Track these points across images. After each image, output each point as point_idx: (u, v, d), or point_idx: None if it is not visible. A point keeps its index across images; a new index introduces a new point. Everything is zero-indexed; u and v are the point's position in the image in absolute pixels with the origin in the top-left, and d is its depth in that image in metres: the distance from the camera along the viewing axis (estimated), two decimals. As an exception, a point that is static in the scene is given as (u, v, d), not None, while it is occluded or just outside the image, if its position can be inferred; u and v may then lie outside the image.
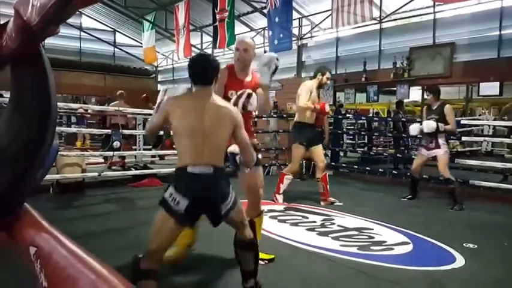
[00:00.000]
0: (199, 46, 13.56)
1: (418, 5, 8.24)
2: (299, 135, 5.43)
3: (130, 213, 4.97)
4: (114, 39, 16.31)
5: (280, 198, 5.52)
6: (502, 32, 7.13)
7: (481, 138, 9.16)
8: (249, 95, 2.80)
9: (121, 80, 15.46)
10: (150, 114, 8.27)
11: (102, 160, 7.66)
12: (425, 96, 5.72)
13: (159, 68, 16.98)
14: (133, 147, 8.35)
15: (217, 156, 2.25)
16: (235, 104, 2.73)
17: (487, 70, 7.16)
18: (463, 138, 8.01)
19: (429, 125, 5.26)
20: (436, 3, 7.61)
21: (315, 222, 4.48)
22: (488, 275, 3.11)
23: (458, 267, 3.23)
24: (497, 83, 7.29)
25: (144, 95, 8.37)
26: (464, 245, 3.73)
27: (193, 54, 13.09)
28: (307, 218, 4.65)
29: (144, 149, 8.45)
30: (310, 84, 5.40)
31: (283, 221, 4.50)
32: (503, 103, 9.88)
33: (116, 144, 6.28)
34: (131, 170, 6.97)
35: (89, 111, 10.27)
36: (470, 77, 7.79)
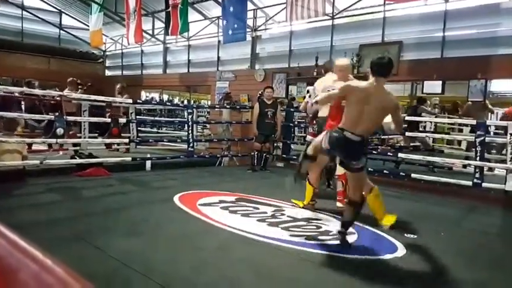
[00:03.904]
0: (150, 32, 13.16)
1: (369, 3, 8.49)
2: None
3: (76, 203, 4.76)
4: (60, 21, 15.39)
5: None
6: (446, 34, 7.54)
7: (424, 134, 9.65)
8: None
9: (66, 63, 14.66)
10: (97, 101, 7.97)
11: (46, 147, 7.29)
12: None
13: (107, 53, 16.31)
14: (78, 134, 7.99)
15: (369, 130, 3.32)
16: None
17: (431, 69, 7.55)
18: (407, 134, 8.43)
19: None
20: (387, 2, 7.88)
21: (265, 213, 4.53)
22: (427, 264, 3.30)
23: (399, 256, 3.40)
24: (440, 82, 7.72)
25: None
26: (405, 235, 3.94)
27: (144, 40, 12.72)
28: (258, 209, 4.69)
29: (90, 137, 8.12)
30: None
31: (235, 212, 4.50)
32: (445, 101, 10.51)
33: (60, 131, 5.97)
34: (76, 158, 6.66)
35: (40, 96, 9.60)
36: (415, 75, 8.17)
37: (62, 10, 15.19)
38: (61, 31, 15.46)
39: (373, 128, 3.38)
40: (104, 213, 4.29)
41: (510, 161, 5.49)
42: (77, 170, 6.25)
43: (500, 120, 8.00)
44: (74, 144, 7.46)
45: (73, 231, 3.55)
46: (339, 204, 4.80)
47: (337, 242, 3.61)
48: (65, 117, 6.20)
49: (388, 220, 4.12)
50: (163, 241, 3.46)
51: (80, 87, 8.52)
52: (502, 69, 6.85)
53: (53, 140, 6.27)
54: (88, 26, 13.87)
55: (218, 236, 3.65)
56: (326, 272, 3.01)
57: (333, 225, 4.17)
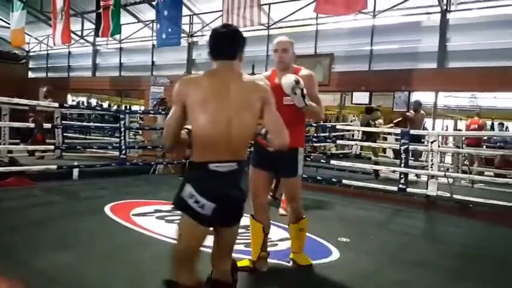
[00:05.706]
0: (79, 33, 12.51)
1: (302, 16, 8.80)
2: None
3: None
4: (-26, 16, 14.09)
5: None
6: (373, 48, 8.04)
7: (353, 142, 10.17)
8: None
9: (-18, 63, 13.43)
10: (19, 104, 7.37)
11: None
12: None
13: (31, 53, 15.21)
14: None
15: (244, 148, 1.95)
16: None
17: (359, 81, 8.01)
18: (337, 142, 8.85)
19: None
20: (319, 14, 8.22)
21: (203, 221, 4.46)
22: (360, 266, 3.46)
23: (334, 260, 3.53)
24: (367, 93, 8.20)
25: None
26: (338, 239, 4.09)
27: (72, 41, 12.04)
28: (195, 217, 4.61)
29: (11, 143, 7.51)
30: None
31: (171, 222, 4.37)
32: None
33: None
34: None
35: None
36: (345, 86, 8.62)
37: (-23, 5, 13.92)
38: (-24, 27, 14.15)
39: (247, 143, 2.01)
40: (29, 226, 3.96)
41: (431, 167, 5.96)
42: (-6, 179, 5.71)
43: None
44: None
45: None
46: (281, 211, 4.93)
47: (275, 248, 3.66)
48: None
49: (304, 260, 3.35)
50: (95, 255, 3.27)
51: None
52: (422, 83, 7.45)
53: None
54: (9, 23, 12.86)
55: (154, 248, 3.52)
56: (260, 277, 3.03)
57: (271, 232, 4.22)
